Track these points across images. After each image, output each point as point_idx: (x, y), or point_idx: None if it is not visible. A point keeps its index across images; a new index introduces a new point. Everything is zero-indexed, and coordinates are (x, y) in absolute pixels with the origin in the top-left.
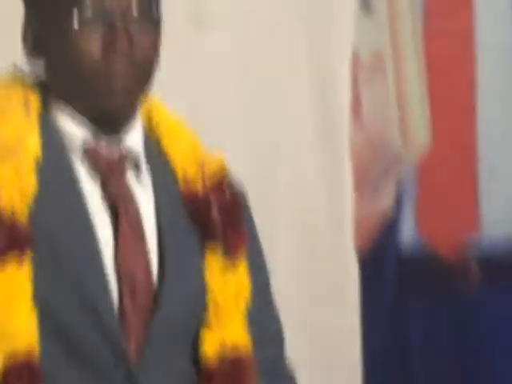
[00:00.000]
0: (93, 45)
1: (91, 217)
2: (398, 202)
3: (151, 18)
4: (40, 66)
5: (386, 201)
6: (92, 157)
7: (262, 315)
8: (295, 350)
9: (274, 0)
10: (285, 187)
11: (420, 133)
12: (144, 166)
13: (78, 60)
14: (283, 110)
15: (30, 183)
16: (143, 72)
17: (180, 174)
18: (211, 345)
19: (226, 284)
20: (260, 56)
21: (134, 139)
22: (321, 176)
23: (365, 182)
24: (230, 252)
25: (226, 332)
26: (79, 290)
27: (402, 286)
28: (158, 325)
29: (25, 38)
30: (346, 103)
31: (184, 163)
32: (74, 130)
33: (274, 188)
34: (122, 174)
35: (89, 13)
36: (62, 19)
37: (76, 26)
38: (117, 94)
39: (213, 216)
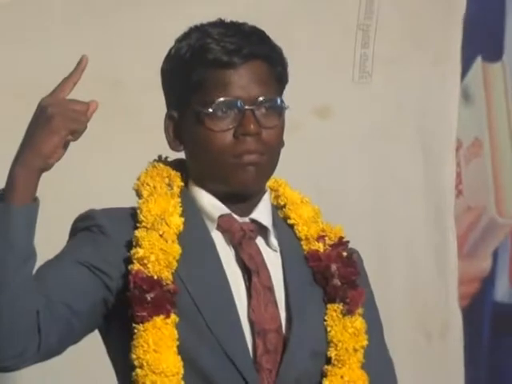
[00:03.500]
0: (225, 126)
1: (228, 277)
2: (494, 262)
3: (275, 107)
4: (181, 152)
5: (483, 262)
6: (226, 225)
7: (378, 356)
8: None
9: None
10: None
11: None
12: (272, 233)
13: (211, 141)
14: (399, 196)
15: (174, 248)
16: (270, 152)
17: (302, 234)
18: (332, 381)
19: (344, 328)
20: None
21: (262, 210)
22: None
23: (465, 246)
24: (350, 309)
25: (345, 370)
26: (218, 341)
27: (496, 328)
28: (286, 366)
29: (167, 129)
30: (451, 183)
31: (306, 225)
32: (210, 203)
33: (390, 259)
34: (252, 240)
35: (222, 98)
36: (198, 104)
37: (210, 109)
38: (248, 174)
39: (333, 280)
